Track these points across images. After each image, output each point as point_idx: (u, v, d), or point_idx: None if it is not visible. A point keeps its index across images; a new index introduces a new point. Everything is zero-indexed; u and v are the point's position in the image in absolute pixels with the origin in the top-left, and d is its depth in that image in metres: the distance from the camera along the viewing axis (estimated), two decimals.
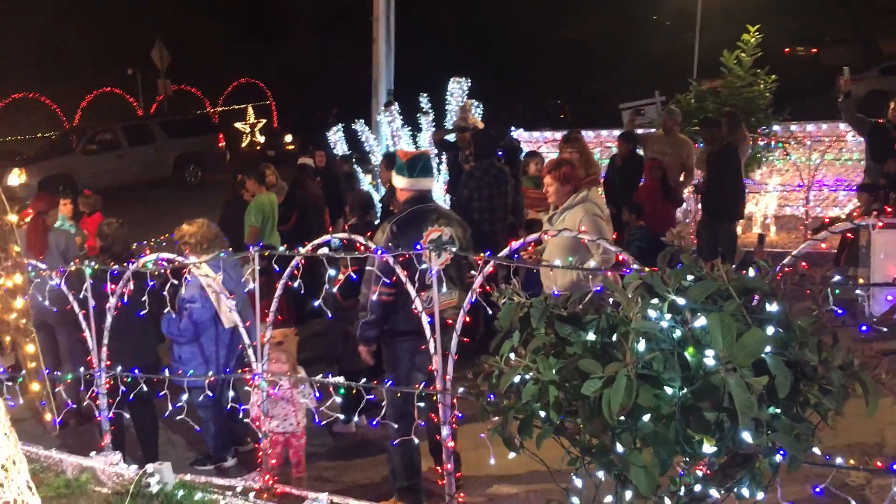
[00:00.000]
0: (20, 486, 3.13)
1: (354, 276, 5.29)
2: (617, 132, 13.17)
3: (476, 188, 8.54)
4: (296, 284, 5.27)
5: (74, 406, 6.37)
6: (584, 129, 13.86)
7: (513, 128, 13.37)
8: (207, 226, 6.13)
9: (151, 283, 5.67)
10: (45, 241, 7.10)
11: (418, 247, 4.77)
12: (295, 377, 5.77)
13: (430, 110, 13.32)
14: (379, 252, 4.88)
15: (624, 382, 2.36)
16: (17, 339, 3.06)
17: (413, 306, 4.68)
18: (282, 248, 5.44)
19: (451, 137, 11.42)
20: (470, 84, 13.58)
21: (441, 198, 13.35)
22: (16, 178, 19.52)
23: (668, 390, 2.42)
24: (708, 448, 2.50)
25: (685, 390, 2.43)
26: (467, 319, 4.58)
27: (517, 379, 2.79)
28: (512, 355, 2.81)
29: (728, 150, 9.35)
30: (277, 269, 5.36)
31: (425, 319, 4.69)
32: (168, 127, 22.72)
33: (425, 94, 13.42)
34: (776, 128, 12.85)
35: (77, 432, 7.11)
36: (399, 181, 5.62)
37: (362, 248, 4.94)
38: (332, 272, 5.28)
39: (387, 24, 14.37)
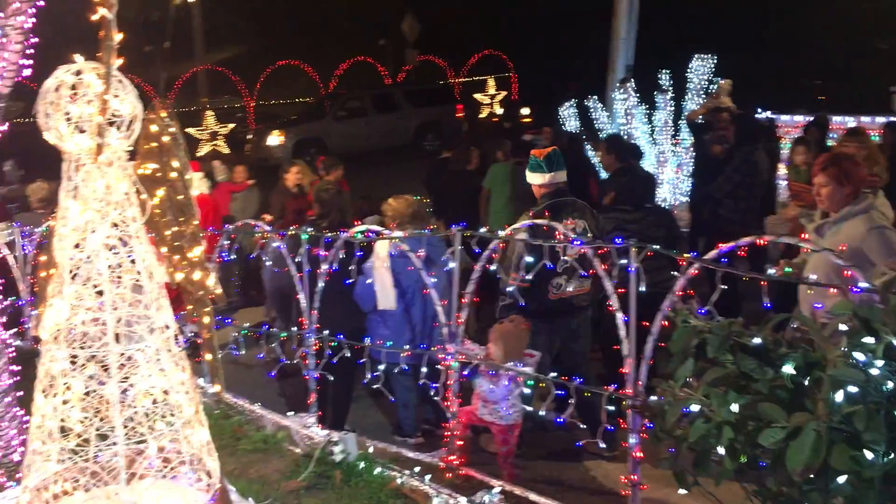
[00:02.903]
0: (200, 444, 3.30)
1: (550, 265, 5.11)
2: (882, 119, 11.73)
3: (730, 174, 8.06)
4: (493, 268, 5.17)
5: (286, 361, 6.76)
6: (842, 114, 12.51)
7: (759, 110, 12.33)
8: (408, 203, 6.12)
9: (360, 253, 5.82)
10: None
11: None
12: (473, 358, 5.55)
13: (669, 88, 12.63)
14: (578, 243, 4.65)
15: (812, 438, 1.97)
16: (196, 309, 3.20)
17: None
18: (482, 230, 5.35)
19: (703, 119, 10.77)
20: (716, 61, 12.71)
21: (672, 180, 12.69)
22: (275, 139, 21.24)
23: (869, 455, 1.98)
24: None
25: (892, 456, 1.99)
26: (665, 323, 4.21)
27: (694, 408, 2.46)
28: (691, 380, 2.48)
29: None
30: (477, 250, 5.28)
31: (620, 318, 4.41)
32: (412, 96, 23.64)
33: (665, 71, 12.73)
34: None
35: (292, 385, 7.53)
36: (537, 178, 5.91)
37: (561, 235, 4.76)
38: (528, 259, 5.12)
39: None
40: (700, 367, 2.36)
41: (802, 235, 4.52)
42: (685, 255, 4.06)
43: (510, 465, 5.58)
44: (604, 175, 9.95)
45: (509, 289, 5.36)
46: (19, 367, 4.28)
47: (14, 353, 4.26)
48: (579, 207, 5.89)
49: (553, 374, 4.91)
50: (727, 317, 3.99)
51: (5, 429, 4.22)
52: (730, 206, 8.07)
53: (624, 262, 4.37)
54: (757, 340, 2.27)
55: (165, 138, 3.00)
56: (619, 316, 4.42)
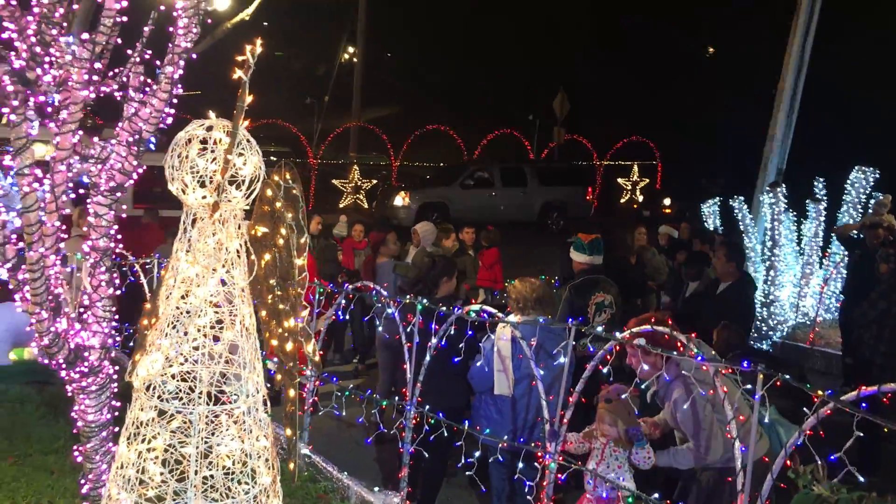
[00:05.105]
0: None
1: (668, 378, 4.78)
2: None
3: (875, 299, 7.46)
4: (605, 370, 4.88)
5: (385, 430, 6.63)
6: None
7: None
8: (533, 288, 5.91)
9: (471, 332, 5.67)
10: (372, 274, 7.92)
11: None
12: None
13: (823, 198, 11.96)
14: (699, 358, 4.31)
15: None
16: (285, 380, 3.13)
17: None
18: (599, 329, 5.09)
19: (857, 234, 10.12)
20: (878, 176, 11.97)
21: (816, 294, 11.89)
22: (400, 200, 21.63)
23: None
24: None
25: None
26: (788, 463, 3.80)
27: None
28: None
29: None
30: (591, 349, 5.01)
31: (738, 446, 4.04)
32: (541, 174, 23.62)
33: (820, 179, 12.10)
34: None
35: (387, 452, 7.40)
36: (578, 256, 7.20)
37: (667, 337, 4.49)
38: (644, 366, 4.81)
39: (791, 98, 13.25)
40: None
41: None
42: (820, 391, 3.66)
43: None
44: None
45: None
46: (119, 403, 4.36)
47: (117, 389, 4.34)
48: (611, 284, 7.10)
49: (655, 496, 4.55)
50: (863, 468, 3.59)
51: (97, 462, 4.27)
52: (874, 333, 7.42)
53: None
54: None
55: (278, 203, 2.99)
56: (738, 445, 4.05)
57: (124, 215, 4.15)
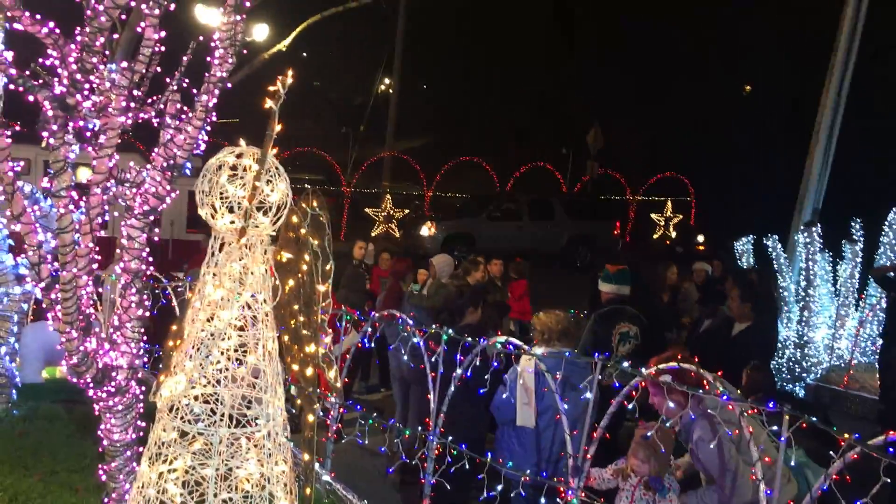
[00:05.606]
0: None
1: (692, 417, 4.72)
2: None
3: None
4: (630, 406, 4.83)
5: (407, 461, 6.61)
6: None
7: None
8: (558, 320, 5.90)
9: (497, 364, 5.65)
10: (397, 303, 7.86)
11: None
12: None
13: (860, 239, 11.78)
14: (725, 397, 4.26)
15: None
16: (305, 405, 3.15)
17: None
18: (626, 364, 5.04)
19: (893, 275, 9.95)
20: None
21: (851, 336, 11.66)
22: (426, 230, 21.68)
23: None
24: None
25: None
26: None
27: None
28: None
29: None
30: (617, 384, 4.96)
31: (763, 489, 3.96)
32: (569, 207, 23.54)
33: (857, 220, 11.92)
34: None
35: (410, 483, 7.36)
36: (605, 286, 7.32)
37: (694, 374, 4.43)
38: (670, 404, 4.76)
39: (828, 137, 13.10)
40: None
41: None
42: (846, 434, 3.59)
43: None
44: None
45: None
46: (144, 424, 4.41)
47: (143, 410, 4.39)
48: (636, 315, 7.10)
49: None
50: None
51: (121, 481, 4.32)
52: None
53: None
54: None
55: (303, 230, 3.04)
56: (763, 488, 3.98)
57: (156, 238, 4.23)
